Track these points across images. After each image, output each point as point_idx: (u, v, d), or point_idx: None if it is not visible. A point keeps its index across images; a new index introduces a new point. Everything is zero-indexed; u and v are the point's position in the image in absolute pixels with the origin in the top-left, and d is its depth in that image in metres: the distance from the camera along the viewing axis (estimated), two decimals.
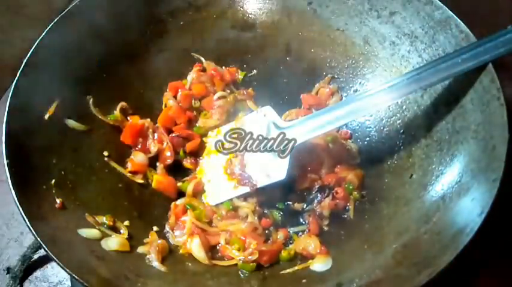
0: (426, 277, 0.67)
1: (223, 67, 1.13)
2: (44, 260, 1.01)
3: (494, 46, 0.78)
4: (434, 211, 0.80)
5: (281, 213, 0.96)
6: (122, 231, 0.87)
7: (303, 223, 0.95)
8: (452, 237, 0.71)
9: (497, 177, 0.71)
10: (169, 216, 0.94)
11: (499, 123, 0.76)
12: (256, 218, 0.93)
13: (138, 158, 0.99)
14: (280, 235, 0.92)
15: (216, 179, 0.99)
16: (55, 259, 0.72)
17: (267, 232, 0.93)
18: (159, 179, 0.98)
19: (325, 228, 0.94)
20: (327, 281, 0.80)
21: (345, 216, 0.95)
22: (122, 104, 1.03)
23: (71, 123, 0.94)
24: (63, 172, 0.87)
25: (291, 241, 0.92)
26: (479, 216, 0.69)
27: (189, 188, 0.97)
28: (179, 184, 1.00)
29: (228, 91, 1.10)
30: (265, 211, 0.96)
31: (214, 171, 1.00)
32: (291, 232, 0.94)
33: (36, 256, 0.99)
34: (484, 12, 1.24)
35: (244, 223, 0.91)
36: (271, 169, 0.92)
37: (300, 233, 0.93)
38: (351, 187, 0.95)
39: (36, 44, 0.91)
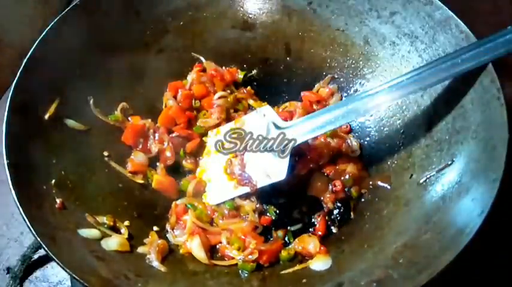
0: (426, 277, 0.67)
1: (223, 67, 1.13)
2: (44, 260, 1.01)
3: (494, 46, 0.78)
4: (434, 211, 0.80)
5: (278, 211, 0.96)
6: (122, 231, 0.87)
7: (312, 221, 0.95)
8: (452, 237, 0.71)
9: (497, 177, 0.71)
10: (169, 215, 0.94)
11: (499, 123, 0.76)
12: (256, 215, 0.93)
13: (138, 158, 0.99)
14: (280, 234, 0.92)
15: (216, 179, 0.99)
16: (55, 259, 0.72)
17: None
18: (159, 179, 0.98)
19: (334, 230, 0.94)
20: (327, 281, 0.80)
21: (345, 215, 0.95)
22: (123, 104, 1.03)
23: (71, 123, 0.94)
24: (63, 172, 0.87)
25: (290, 241, 0.92)
26: (479, 216, 0.69)
27: (190, 188, 0.97)
28: (179, 183, 1.00)
29: (228, 91, 1.10)
30: (265, 207, 0.96)
31: (214, 171, 1.00)
32: (290, 230, 0.94)
33: (36, 256, 0.99)
34: (484, 12, 1.24)
35: (245, 221, 0.91)
36: (271, 169, 0.92)
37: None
38: (349, 179, 0.96)
39: (36, 44, 0.91)
